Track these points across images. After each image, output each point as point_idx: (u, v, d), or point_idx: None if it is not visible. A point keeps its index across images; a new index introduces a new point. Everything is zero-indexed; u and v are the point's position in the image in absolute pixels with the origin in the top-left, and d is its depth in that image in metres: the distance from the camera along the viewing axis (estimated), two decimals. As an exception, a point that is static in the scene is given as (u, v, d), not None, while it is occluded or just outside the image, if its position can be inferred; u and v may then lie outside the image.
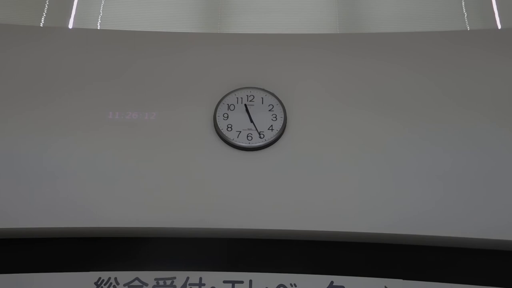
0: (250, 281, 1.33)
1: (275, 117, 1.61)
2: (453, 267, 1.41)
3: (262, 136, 1.57)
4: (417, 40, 1.77)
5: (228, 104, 1.63)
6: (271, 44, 1.77)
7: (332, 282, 1.33)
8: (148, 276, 1.34)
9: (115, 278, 1.34)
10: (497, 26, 1.95)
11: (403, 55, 1.73)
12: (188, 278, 1.34)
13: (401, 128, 1.58)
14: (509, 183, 1.47)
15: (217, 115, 1.60)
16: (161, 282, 1.34)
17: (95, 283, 1.33)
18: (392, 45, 1.76)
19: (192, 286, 1.33)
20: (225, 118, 1.60)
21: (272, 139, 1.56)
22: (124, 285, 1.33)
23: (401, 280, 1.33)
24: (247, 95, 1.65)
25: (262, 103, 1.64)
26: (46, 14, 1.99)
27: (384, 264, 1.42)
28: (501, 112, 1.59)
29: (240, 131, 1.57)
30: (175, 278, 1.34)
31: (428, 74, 1.68)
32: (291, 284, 1.33)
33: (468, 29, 1.98)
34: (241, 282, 1.33)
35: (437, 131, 1.56)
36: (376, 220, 1.43)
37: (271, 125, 1.59)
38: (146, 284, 1.33)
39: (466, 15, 2.00)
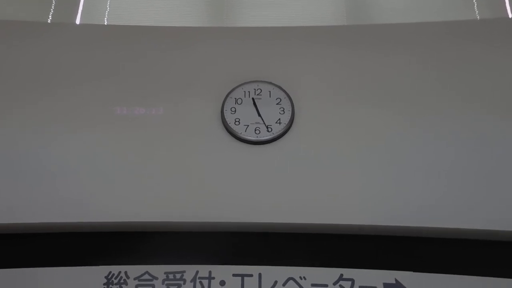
0: (260, 275, 1.33)
1: (283, 110, 1.60)
2: (464, 259, 1.40)
3: (270, 129, 1.56)
4: (427, 30, 1.75)
5: (235, 98, 1.62)
6: (278, 37, 1.76)
7: (341, 275, 1.32)
8: (158, 270, 1.34)
9: (125, 272, 1.35)
10: (507, 15, 1.92)
11: (412, 47, 1.70)
12: (197, 271, 1.34)
13: (410, 121, 1.56)
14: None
15: (224, 109, 1.60)
16: (170, 276, 1.34)
17: (106, 277, 1.34)
18: (400, 37, 1.74)
19: (201, 280, 1.33)
20: (233, 112, 1.60)
21: (280, 132, 1.56)
22: (134, 279, 1.34)
23: (411, 273, 1.32)
24: (255, 89, 1.64)
25: (270, 96, 1.63)
26: (53, 10, 2.00)
27: (394, 256, 1.41)
28: (507, 104, 1.56)
29: (248, 125, 1.57)
30: (184, 271, 1.34)
31: (439, 66, 1.65)
32: (300, 277, 1.32)
33: (478, 18, 1.94)
34: (251, 275, 1.33)
35: (440, 126, 1.54)
36: (386, 212, 1.42)
37: (279, 119, 1.58)
38: (156, 278, 1.34)
39: (476, 4, 1.97)
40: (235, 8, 2.09)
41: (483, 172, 1.45)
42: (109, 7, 2.06)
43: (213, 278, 1.33)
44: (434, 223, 1.39)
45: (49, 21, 1.98)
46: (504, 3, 1.94)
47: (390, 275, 1.31)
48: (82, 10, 2.03)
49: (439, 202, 1.42)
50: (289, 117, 1.58)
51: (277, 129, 1.56)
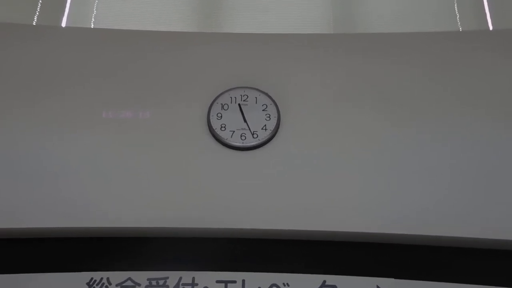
0: (243, 281, 1.33)
1: (269, 116, 1.61)
2: (446, 266, 1.42)
3: (255, 136, 1.57)
4: (411, 40, 1.78)
5: (221, 104, 1.63)
6: (265, 44, 1.77)
7: (324, 281, 1.33)
8: (141, 276, 1.33)
9: (107, 278, 1.33)
10: (488, 27, 1.98)
11: (397, 55, 1.73)
12: (181, 278, 1.34)
13: (396, 128, 1.58)
14: (509, 181, 1.47)
15: (210, 114, 1.60)
16: (153, 282, 1.33)
17: (87, 284, 1.32)
18: (385, 45, 1.76)
19: (185, 286, 1.32)
20: (219, 118, 1.60)
21: (265, 138, 1.57)
22: (117, 285, 1.32)
23: (393, 279, 1.34)
24: (241, 95, 1.65)
25: (256, 103, 1.63)
26: (39, 12, 1.98)
27: (376, 263, 1.42)
28: (495, 110, 1.59)
29: (234, 131, 1.57)
30: (168, 278, 1.33)
31: (423, 73, 1.67)
32: (283, 284, 1.33)
33: (460, 30, 2.00)
34: (234, 282, 1.33)
35: (433, 130, 1.56)
36: (371, 219, 1.43)
37: (265, 125, 1.59)
38: (139, 284, 1.33)
39: (458, 16, 2.03)
40: (222, 13, 2.10)
41: (474, 180, 1.47)
42: (96, 10, 2.05)
43: (197, 284, 1.33)
44: (417, 231, 1.41)
45: (34, 24, 1.96)
46: (485, 15, 2.00)
47: (372, 282, 1.32)
48: (68, 13, 2.01)
49: (433, 210, 1.43)
50: (275, 124, 1.59)
51: (262, 135, 1.57)
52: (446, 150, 1.53)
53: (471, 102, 1.62)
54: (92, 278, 1.33)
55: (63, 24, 1.99)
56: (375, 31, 1.95)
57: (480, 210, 1.44)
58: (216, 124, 1.59)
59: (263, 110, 1.62)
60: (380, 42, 1.78)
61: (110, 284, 1.33)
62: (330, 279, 1.33)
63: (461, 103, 1.62)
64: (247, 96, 1.65)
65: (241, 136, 1.57)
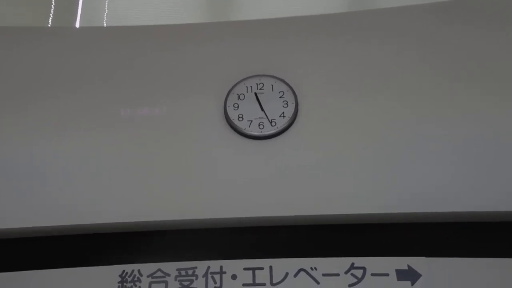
0: (271, 267, 1.34)
1: (286, 103, 1.60)
2: (477, 241, 1.40)
3: (273, 124, 1.56)
4: (431, 12, 1.70)
5: (238, 94, 1.63)
6: (277, 29, 1.75)
7: (353, 263, 1.33)
8: (170, 267, 1.36)
9: (139, 270, 1.36)
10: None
11: (418, 31, 1.66)
12: (209, 267, 1.36)
13: (416, 111, 1.54)
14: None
15: (227, 105, 1.60)
16: (183, 272, 1.36)
17: (120, 276, 1.36)
18: (408, 21, 1.68)
19: (213, 275, 1.35)
20: (236, 108, 1.60)
21: (284, 126, 1.56)
22: (147, 276, 1.36)
23: (424, 258, 1.32)
24: (257, 83, 1.64)
25: (272, 90, 1.63)
26: (53, 14, 2.01)
27: (406, 243, 1.41)
28: (503, 85, 1.54)
29: (252, 120, 1.57)
30: (196, 267, 1.36)
31: (445, 52, 1.61)
32: (311, 268, 1.33)
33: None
34: (261, 268, 1.34)
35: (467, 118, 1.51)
36: (396, 200, 1.42)
37: (283, 112, 1.58)
38: (169, 275, 1.36)
39: None
40: (234, 2, 2.08)
41: (488, 154, 1.45)
42: (107, 9, 2.07)
43: (225, 272, 1.35)
44: (444, 208, 1.39)
45: (49, 25, 1.99)
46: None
47: (402, 262, 1.31)
48: (81, 14, 2.04)
49: (449, 186, 1.42)
50: (293, 110, 1.58)
51: (281, 123, 1.56)
52: (462, 134, 1.49)
53: (483, 81, 1.55)
54: (124, 271, 1.36)
55: (77, 25, 2.02)
56: (393, 5, 1.85)
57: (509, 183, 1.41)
58: (233, 115, 1.58)
59: (280, 97, 1.61)
60: (401, 16, 1.70)
61: (141, 275, 1.36)
62: (359, 261, 1.32)
63: (472, 82, 1.55)
64: (263, 84, 1.64)
65: (259, 125, 1.56)
